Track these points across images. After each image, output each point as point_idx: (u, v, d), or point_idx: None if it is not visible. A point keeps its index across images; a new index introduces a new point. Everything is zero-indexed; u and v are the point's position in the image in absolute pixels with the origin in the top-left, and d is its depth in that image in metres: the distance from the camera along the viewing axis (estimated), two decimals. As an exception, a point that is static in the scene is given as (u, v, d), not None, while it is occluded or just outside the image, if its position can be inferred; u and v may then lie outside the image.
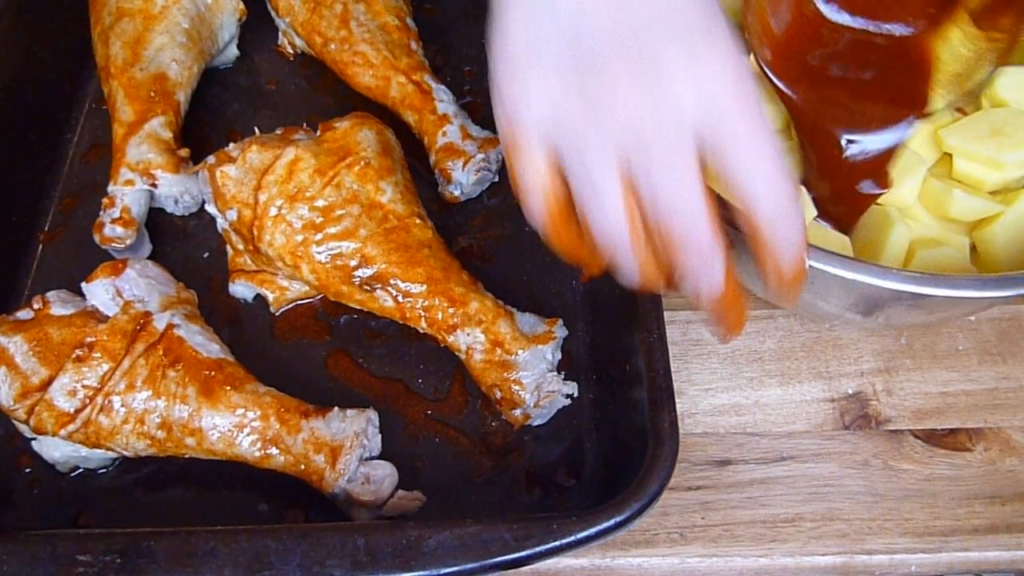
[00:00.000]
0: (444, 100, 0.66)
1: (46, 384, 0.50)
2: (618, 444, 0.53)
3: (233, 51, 0.74)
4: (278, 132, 0.60)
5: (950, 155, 0.54)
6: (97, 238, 0.61)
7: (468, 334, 0.54)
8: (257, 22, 0.75)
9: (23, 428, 0.52)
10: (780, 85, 0.51)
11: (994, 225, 0.51)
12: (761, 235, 0.37)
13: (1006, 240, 0.51)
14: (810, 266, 0.44)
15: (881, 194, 0.52)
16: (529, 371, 0.53)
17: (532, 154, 0.38)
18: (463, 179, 0.65)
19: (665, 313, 0.52)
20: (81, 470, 0.54)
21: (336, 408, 0.53)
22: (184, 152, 0.64)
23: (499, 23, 0.39)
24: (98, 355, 0.51)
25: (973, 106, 0.56)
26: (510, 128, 0.38)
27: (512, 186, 0.40)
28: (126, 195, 0.62)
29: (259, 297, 0.61)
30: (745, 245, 0.46)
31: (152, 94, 0.65)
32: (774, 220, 0.36)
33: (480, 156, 0.64)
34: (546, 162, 0.38)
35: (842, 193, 0.52)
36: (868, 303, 0.50)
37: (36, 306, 0.54)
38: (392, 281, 0.55)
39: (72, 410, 0.50)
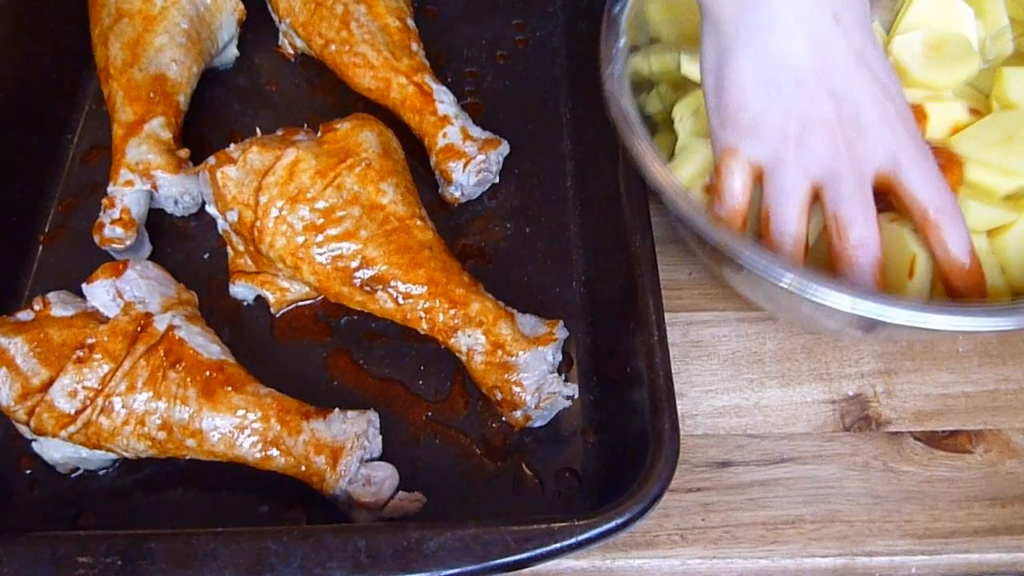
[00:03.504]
0: (445, 101, 0.66)
1: (47, 385, 0.50)
2: (619, 446, 0.53)
3: (233, 52, 0.74)
4: (279, 133, 0.60)
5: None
6: (97, 239, 0.61)
7: (469, 335, 0.54)
8: (257, 23, 0.75)
9: (23, 429, 0.52)
10: None
11: (1007, 235, 0.51)
12: (933, 228, 0.47)
13: (1021, 249, 0.51)
14: (808, 295, 0.45)
15: None
16: (530, 372, 0.53)
17: (744, 165, 0.48)
18: (464, 180, 0.64)
19: (666, 315, 0.52)
20: (81, 471, 0.54)
21: (337, 410, 0.52)
22: (184, 153, 0.64)
23: (731, 58, 0.47)
24: (99, 356, 0.51)
25: (985, 107, 0.56)
26: (730, 145, 0.48)
27: (709, 191, 0.51)
28: (126, 196, 0.62)
29: (259, 298, 0.61)
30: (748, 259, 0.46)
31: (152, 95, 0.64)
32: (942, 222, 0.47)
33: (481, 157, 0.64)
34: (751, 175, 0.48)
35: None
36: (869, 322, 0.50)
37: (36, 307, 0.54)
38: (393, 282, 0.55)
39: (72, 411, 0.50)
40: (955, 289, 0.48)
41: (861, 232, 0.46)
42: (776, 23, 0.46)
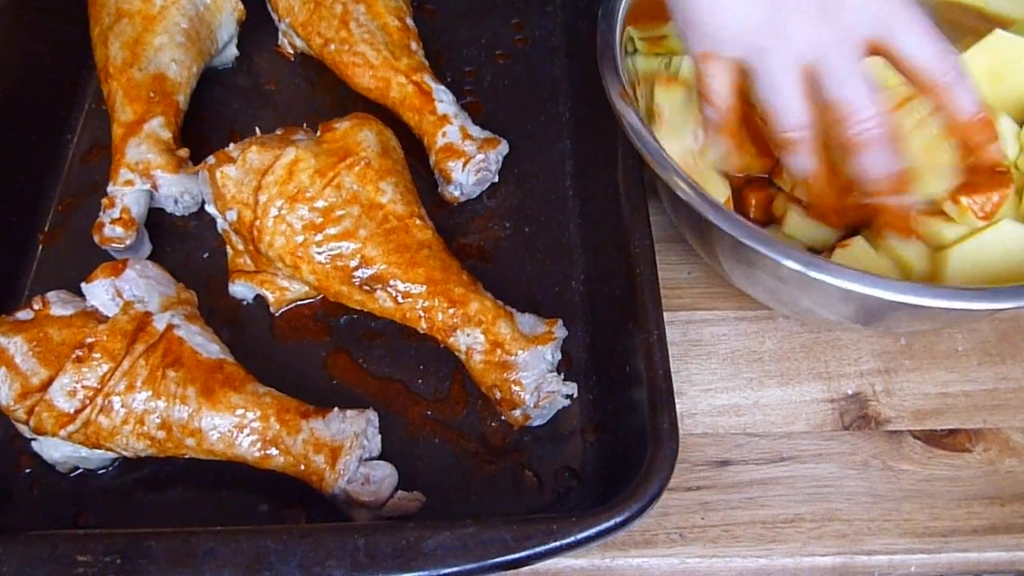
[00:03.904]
0: (444, 101, 0.66)
1: (46, 384, 0.50)
2: (618, 445, 0.53)
3: (232, 51, 0.74)
4: (278, 132, 0.60)
5: None
6: (97, 238, 0.61)
7: (468, 335, 0.54)
8: (257, 22, 0.75)
9: (23, 428, 0.52)
10: None
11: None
12: (940, 91, 0.46)
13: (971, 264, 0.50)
14: (809, 275, 0.45)
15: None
16: (529, 371, 0.53)
17: (724, 65, 0.47)
18: (463, 179, 0.65)
19: (665, 314, 0.52)
20: (81, 470, 0.54)
21: (336, 409, 0.52)
22: (184, 152, 0.64)
23: None
24: (98, 355, 0.51)
25: None
26: (707, 47, 0.47)
27: (699, 96, 0.49)
28: (126, 195, 0.62)
29: (259, 297, 0.61)
30: (745, 248, 0.46)
31: (152, 94, 0.65)
32: (949, 78, 0.46)
33: (480, 156, 0.64)
34: (734, 72, 0.47)
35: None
36: (868, 312, 0.50)
37: (36, 306, 0.54)
38: (392, 282, 0.55)
39: (72, 410, 0.50)
40: (972, 142, 0.48)
41: (868, 110, 0.45)
42: None
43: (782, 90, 0.46)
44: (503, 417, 0.56)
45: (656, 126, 0.56)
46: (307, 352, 0.60)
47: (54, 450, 0.53)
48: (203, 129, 0.71)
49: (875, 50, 0.46)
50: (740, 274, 0.54)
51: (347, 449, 0.51)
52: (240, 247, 0.60)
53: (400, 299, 0.56)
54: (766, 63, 0.46)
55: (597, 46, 0.56)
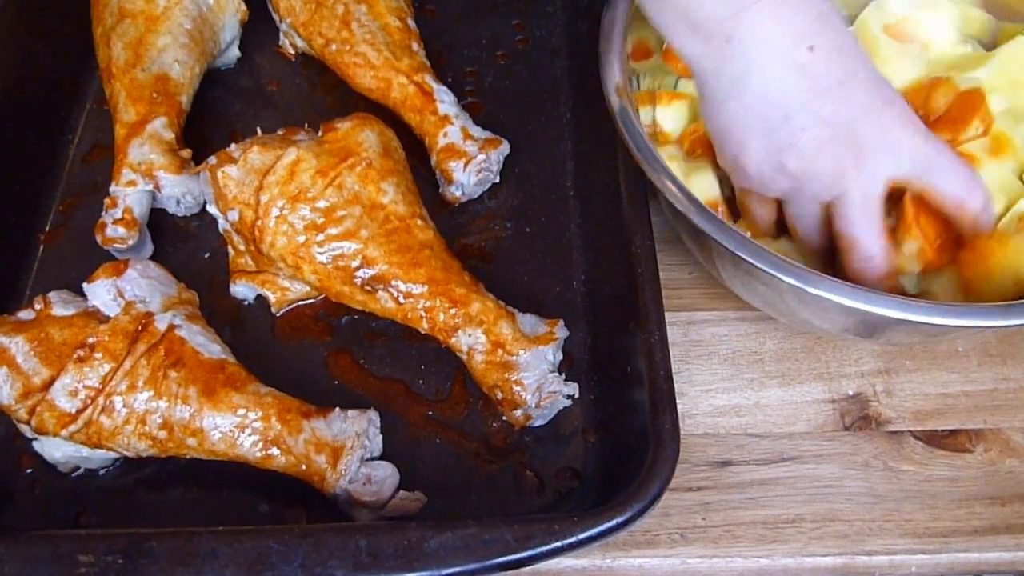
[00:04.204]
0: (445, 101, 0.66)
1: (47, 384, 0.50)
2: (619, 445, 0.53)
3: (235, 52, 0.75)
4: (280, 133, 0.60)
5: None
6: (99, 239, 0.61)
7: (469, 335, 0.54)
8: (258, 23, 0.75)
9: (24, 428, 0.52)
10: None
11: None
12: (968, 219, 0.49)
13: None
14: (808, 291, 0.45)
15: None
16: (530, 372, 0.53)
17: (761, 200, 0.53)
18: (464, 180, 0.65)
19: (666, 314, 0.52)
20: (82, 470, 0.54)
21: (337, 409, 0.53)
22: (186, 153, 0.64)
23: (722, 109, 0.49)
24: (100, 355, 0.51)
25: None
26: (744, 187, 0.52)
27: (743, 213, 0.55)
28: (128, 196, 0.62)
29: (260, 298, 0.61)
30: (733, 256, 0.46)
31: (154, 95, 0.65)
32: (974, 206, 0.49)
33: (481, 157, 0.64)
34: (772, 202, 0.53)
35: None
36: (868, 326, 0.50)
37: (37, 306, 0.54)
38: (393, 282, 0.55)
39: (73, 410, 0.50)
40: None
41: (867, 250, 0.48)
42: (752, 66, 0.46)
43: (804, 221, 0.51)
44: (504, 417, 0.56)
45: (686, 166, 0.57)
46: (308, 352, 0.60)
47: (55, 450, 0.53)
48: (205, 129, 0.71)
49: (899, 188, 0.49)
50: (738, 283, 0.54)
51: (349, 449, 0.51)
52: (241, 247, 0.60)
53: (402, 299, 0.56)
54: (793, 202, 0.51)
55: (599, 50, 0.56)
